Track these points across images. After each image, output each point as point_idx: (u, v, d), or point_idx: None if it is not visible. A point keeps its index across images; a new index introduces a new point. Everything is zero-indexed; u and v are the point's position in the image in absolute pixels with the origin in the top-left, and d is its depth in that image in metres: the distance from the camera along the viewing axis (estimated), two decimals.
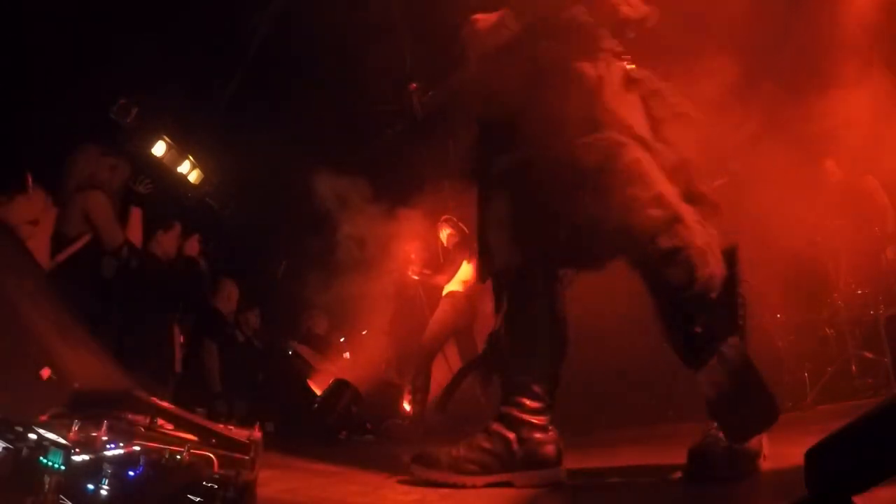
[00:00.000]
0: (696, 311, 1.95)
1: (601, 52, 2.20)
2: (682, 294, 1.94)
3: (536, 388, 2.18)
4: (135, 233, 4.70)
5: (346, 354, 7.01)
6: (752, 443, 2.00)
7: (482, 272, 2.40)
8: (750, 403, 1.92)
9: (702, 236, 1.97)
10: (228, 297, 6.01)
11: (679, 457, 2.02)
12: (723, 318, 1.96)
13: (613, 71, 2.18)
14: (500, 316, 2.26)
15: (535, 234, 2.16)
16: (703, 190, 2.14)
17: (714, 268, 1.95)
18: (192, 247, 5.47)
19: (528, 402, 2.18)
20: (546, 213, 2.12)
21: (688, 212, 2.00)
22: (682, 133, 2.15)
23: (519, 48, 2.28)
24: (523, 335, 2.20)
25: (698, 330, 1.94)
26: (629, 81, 2.21)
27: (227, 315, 5.99)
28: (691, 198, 2.08)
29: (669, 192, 2.01)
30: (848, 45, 5.06)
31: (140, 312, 4.48)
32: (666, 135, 2.15)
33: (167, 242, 5.19)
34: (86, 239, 4.22)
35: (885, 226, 5.01)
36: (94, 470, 1.30)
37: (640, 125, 2.13)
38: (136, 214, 4.71)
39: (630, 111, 2.14)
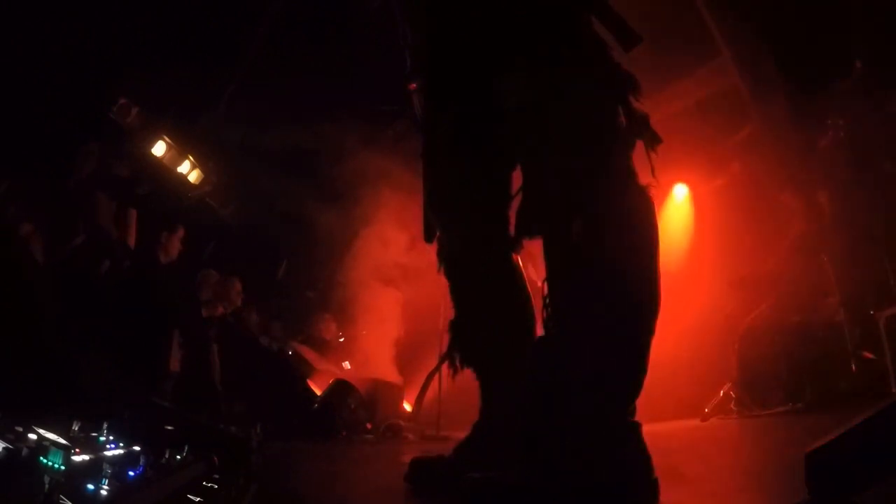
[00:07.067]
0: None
1: None
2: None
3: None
4: (129, 233, 4.71)
5: (346, 364, 6.98)
6: None
7: (427, 234, 2.20)
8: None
9: None
10: (234, 297, 6.02)
11: (679, 455, 2.02)
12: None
13: None
14: (454, 301, 2.06)
15: (479, 199, 1.95)
16: (636, 108, 1.74)
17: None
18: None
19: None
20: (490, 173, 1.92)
21: None
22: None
23: None
24: (485, 317, 1.97)
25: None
26: None
27: (229, 315, 5.99)
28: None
29: None
30: None
31: (137, 312, 4.48)
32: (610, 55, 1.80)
33: (170, 244, 5.20)
34: (82, 238, 4.24)
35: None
36: (94, 470, 1.30)
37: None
38: (131, 215, 4.73)
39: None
